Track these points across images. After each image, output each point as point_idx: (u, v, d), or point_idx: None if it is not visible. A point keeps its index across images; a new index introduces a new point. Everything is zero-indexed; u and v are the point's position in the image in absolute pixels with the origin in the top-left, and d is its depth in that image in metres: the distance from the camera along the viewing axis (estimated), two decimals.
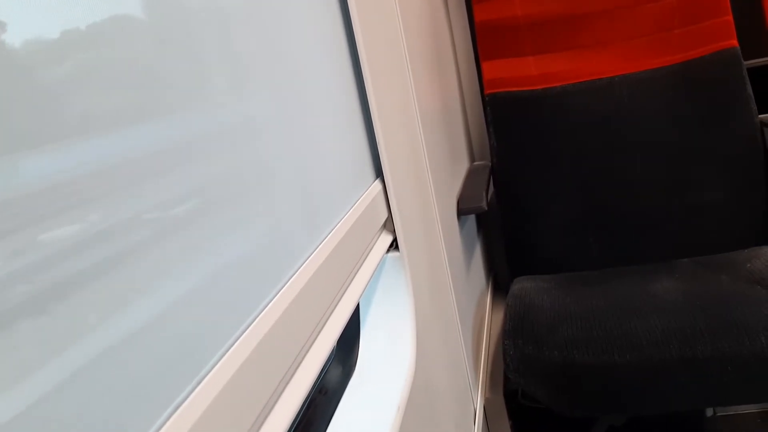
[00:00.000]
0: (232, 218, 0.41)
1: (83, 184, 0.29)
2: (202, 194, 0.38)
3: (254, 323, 0.42)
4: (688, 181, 1.42)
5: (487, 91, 1.54)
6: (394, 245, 0.77)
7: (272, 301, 0.45)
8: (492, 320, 1.54)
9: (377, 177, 0.76)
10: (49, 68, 0.28)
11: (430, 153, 1.02)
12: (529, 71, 1.52)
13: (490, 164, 1.55)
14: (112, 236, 0.30)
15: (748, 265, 1.20)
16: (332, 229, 0.59)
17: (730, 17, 1.43)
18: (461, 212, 1.27)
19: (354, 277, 0.63)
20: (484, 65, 1.55)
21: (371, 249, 0.70)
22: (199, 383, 0.35)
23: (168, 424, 0.32)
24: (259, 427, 0.41)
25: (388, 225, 0.77)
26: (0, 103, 0.25)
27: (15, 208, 0.25)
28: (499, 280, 1.77)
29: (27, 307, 0.25)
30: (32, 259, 0.26)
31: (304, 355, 0.49)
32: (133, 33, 0.34)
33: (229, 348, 0.38)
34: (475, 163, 1.74)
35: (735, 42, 1.42)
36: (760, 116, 1.40)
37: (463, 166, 1.53)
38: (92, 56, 0.31)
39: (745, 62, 1.42)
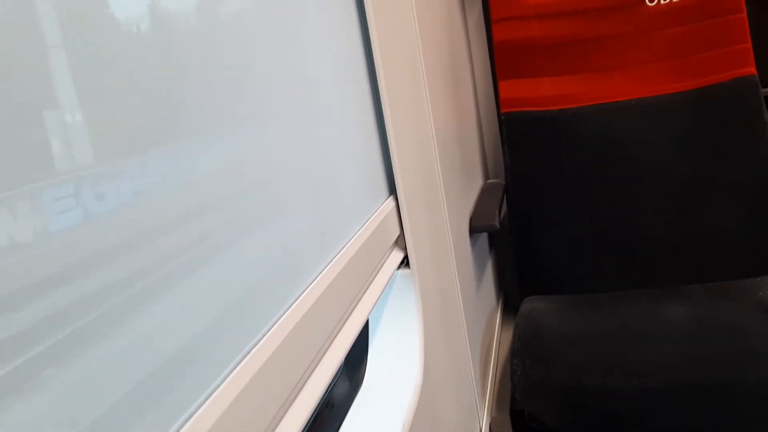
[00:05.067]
0: (249, 231, 0.42)
1: (108, 198, 0.30)
2: (216, 208, 0.39)
3: (266, 336, 0.42)
4: (701, 207, 1.42)
5: (502, 110, 1.55)
6: (405, 262, 0.78)
7: (284, 315, 0.46)
8: (501, 339, 1.54)
9: (390, 194, 0.77)
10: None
11: (444, 170, 1.03)
12: (546, 92, 1.53)
13: (503, 183, 1.56)
14: (135, 246, 0.31)
15: (760, 293, 1.20)
16: (345, 245, 0.60)
17: (749, 44, 1.43)
18: (474, 230, 1.27)
19: (364, 292, 0.64)
20: (501, 84, 1.56)
21: (382, 265, 0.71)
22: (210, 395, 0.36)
23: None
24: None
25: (400, 242, 0.78)
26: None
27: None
28: (510, 299, 1.77)
29: (47, 311, 0.26)
30: (44, 261, 0.27)
31: (314, 369, 0.50)
32: (146, 52, 0.35)
33: (241, 360, 0.39)
34: (489, 180, 1.74)
35: (753, 69, 1.42)
36: None
37: (477, 183, 1.54)
38: (101, 75, 0.32)
39: (763, 90, 1.42)
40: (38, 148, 0.27)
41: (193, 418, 0.34)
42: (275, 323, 0.44)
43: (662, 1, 1.48)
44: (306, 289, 0.50)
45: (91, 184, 0.29)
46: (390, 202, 0.75)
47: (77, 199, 0.28)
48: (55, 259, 0.27)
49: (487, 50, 1.72)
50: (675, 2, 1.47)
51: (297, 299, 0.48)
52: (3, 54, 0.25)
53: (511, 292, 1.77)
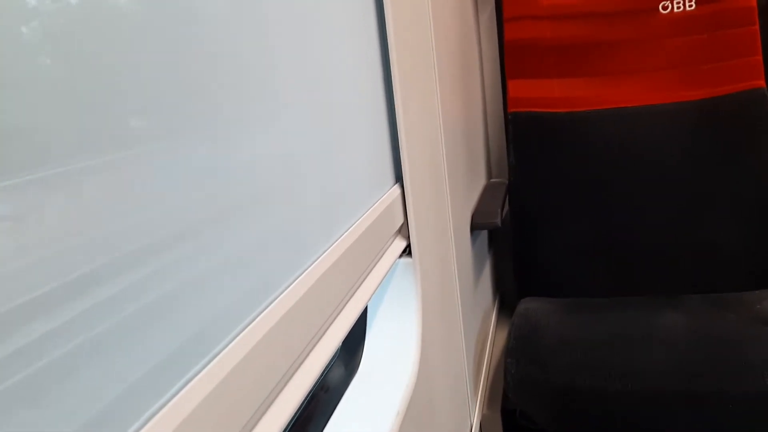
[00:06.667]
0: (251, 211, 0.42)
1: (110, 186, 0.30)
2: (216, 187, 0.38)
3: (263, 314, 0.42)
4: (703, 217, 1.41)
5: (510, 110, 1.54)
6: (406, 251, 0.77)
7: (282, 295, 0.45)
8: (496, 337, 1.54)
9: (397, 182, 0.77)
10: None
11: (449, 164, 1.03)
12: (554, 93, 1.52)
13: (507, 182, 1.55)
14: (120, 227, 0.31)
15: (758, 305, 1.20)
16: (348, 229, 0.60)
17: (760, 57, 1.42)
18: (475, 227, 1.27)
19: (365, 278, 0.63)
20: (510, 84, 1.55)
21: (384, 252, 0.70)
22: (201, 370, 0.35)
23: (168, 406, 0.32)
24: (261, 417, 0.41)
25: (403, 230, 0.77)
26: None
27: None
28: (506, 298, 1.76)
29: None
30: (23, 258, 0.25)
31: (310, 351, 0.50)
32: (161, 48, 0.35)
33: (235, 337, 0.39)
34: (493, 179, 1.74)
35: (763, 82, 1.41)
36: None
37: (481, 181, 1.53)
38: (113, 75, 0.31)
39: None
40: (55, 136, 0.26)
41: (183, 392, 0.33)
42: (272, 302, 0.44)
43: (676, 10, 1.47)
44: (306, 270, 0.50)
45: (96, 173, 0.29)
46: (396, 189, 0.75)
47: (77, 187, 0.28)
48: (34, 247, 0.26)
49: (497, 48, 1.71)
50: (688, 11, 1.47)
51: (296, 280, 0.48)
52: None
53: (508, 293, 1.76)
